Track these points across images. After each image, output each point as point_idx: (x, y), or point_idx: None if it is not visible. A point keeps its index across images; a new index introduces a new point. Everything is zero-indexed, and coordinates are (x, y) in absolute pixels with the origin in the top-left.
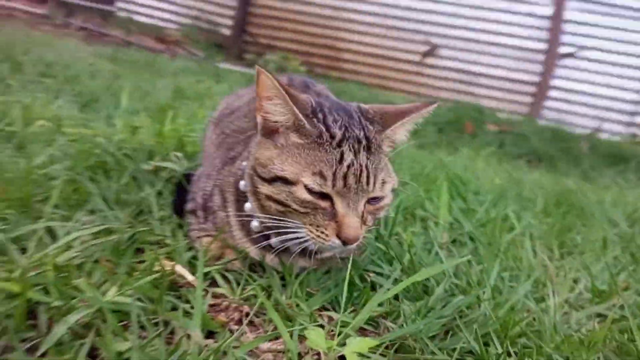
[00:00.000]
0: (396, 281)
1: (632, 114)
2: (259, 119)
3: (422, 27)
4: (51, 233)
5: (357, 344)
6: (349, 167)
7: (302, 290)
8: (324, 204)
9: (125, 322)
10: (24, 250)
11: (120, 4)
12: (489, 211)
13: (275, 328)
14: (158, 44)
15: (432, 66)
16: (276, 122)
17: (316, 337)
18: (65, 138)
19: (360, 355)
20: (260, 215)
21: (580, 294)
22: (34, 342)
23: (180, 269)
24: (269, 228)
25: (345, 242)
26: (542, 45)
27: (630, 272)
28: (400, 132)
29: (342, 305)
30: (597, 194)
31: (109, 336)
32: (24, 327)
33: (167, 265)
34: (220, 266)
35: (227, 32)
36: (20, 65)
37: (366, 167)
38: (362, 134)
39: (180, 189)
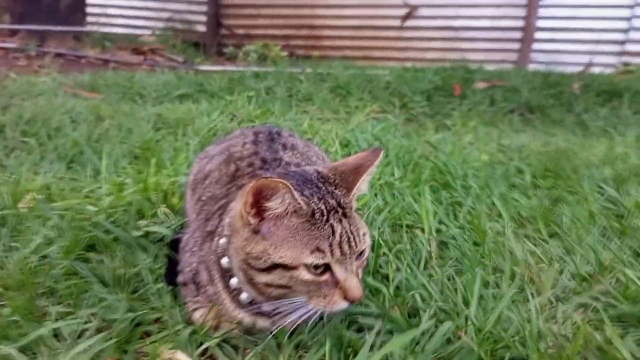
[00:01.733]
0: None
1: (623, 42)
2: (248, 219)
3: None
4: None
5: None
6: (341, 236)
7: (296, 352)
8: (325, 277)
9: None
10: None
11: (90, 19)
12: (475, 202)
13: None
14: (135, 55)
15: (413, 28)
16: (271, 214)
17: None
18: (57, 213)
19: None
20: (254, 294)
21: (565, 283)
22: None
23: (180, 356)
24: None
25: (354, 302)
26: None
27: (618, 245)
28: (362, 187)
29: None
30: (587, 149)
31: None
32: None
33: (168, 354)
34: (218, 339)
35: (202, 28)
36: (1, 127)
37: (351, 232)
38: (335, 202)
39: (170, 256)
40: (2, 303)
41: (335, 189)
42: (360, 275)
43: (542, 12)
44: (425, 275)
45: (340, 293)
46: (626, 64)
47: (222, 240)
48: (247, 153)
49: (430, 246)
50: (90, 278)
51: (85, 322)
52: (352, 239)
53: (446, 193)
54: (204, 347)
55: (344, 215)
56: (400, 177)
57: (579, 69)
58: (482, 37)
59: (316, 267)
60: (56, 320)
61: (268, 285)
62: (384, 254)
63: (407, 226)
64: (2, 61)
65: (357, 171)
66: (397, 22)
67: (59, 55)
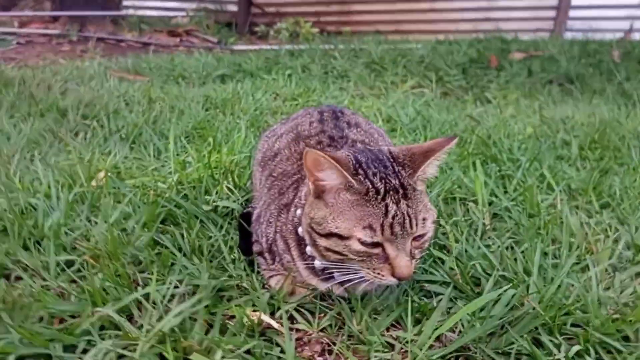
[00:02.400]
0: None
1: None
2: (311, 186)
3: None
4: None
5: None
6: (393, 217)
7: (369, 314)
8: (376, 250)
9: None
10: (130, 318)
11: (126, 2)
12: (525, 175)
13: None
14: (171, 38)
15: None
16: (326, 185)
17: None
18: (130, 192)
19: None
20: (318, 257)
21: (621, 252)
22: None
23: (265, 318)
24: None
25: (401, 280)
26: None
27: None
28: (429, 170)
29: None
30: (632, 120)
31: None
32: None
33: (254, 316)
34: (295, 303)
35: (234, 8)
36: (63, 112)
37: (407, 214)
38: (397, 182)
39: (243, 228)
40: (94, 272)
41: (403, 169)
42: (417, 257)
43: None
44: (483, 245)
45: (390, 269)
46: None
47: (299, 211)
48: (314, 131)
49: (484, 218)
50: (172, 248)
51: (175, 287)
52: (406, 221)
53: (495, 166)
54: (282, 311)
55: (405, 196)
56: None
57: (619, 35)
58: (517, 5)
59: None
60: (145, 286)
61: (327, 249)
62: (441, 226)
63: (460, 199)
64: (47, 47)
65: (427, 154)
66: None
67: (99, 39)
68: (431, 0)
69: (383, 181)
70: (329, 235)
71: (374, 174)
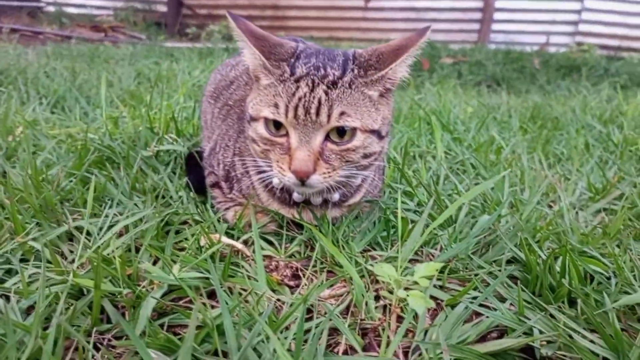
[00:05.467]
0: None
1: (576, 23)
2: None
3: None
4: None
5: (425, 269)
6: (300, 99)
7: (341, 237)
8: (281, 139)
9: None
10: (61, 254)
11: None
12: (475, 137)
13: (330, 277)
14: (95, 32)
15: (377, 9)
16: (250, 66)
17: (387, 270)
18: (52, 141)
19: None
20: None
21: (581, 194)
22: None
23: (226, 240)
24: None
25: (296, 175)
26: None
27: (619, 166)
28: (399, 70)
29: (386, 242)
30: (562, 104)
31: (197, 306)
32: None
33: (213, 238)
34: (258, 230)
35: (163, 8)
36: None
37: (319, 100)
38: (335, 73)
39: (191, 167)
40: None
41: (358, 67)
42: (333, 164)
43: None
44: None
45: (289, 162)
46: (579, 44)
47: None
48: None
49: (443, 168)
50: (108, 185)
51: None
52: (313, 106)
53: (447, 134)
54: (244, 237)
55: (330, 85)
56: (395, 121)
57: (536, 48)
58: (444, 17)
59: (275, 125)
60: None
61: (251, 140)
62: (400, 175)
63: (419, 155)
64: None
65: (397, 52)
66: (361, 3)
67: (14, 30)
68: (363, 10)
69: (310, 68)
70: (250, 120)
71: (306, 63)
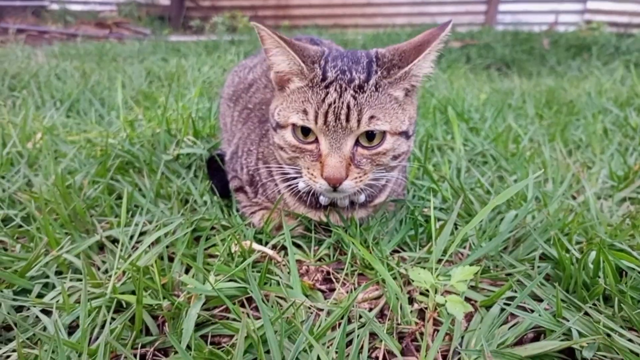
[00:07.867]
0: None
1: (584, 0)
2: (272, 75)
3: None
4: (114, 242)
5: (461, 273)
6: (330, 105)
7: (371, 240)
8: (310, 146)
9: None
10: (93, 264)
11: None
12: (492, 126)
13: (361, 280)
14: (100, 29)
15: None
16: (281, 71)
17: (424, 275)
18: (73, 148)
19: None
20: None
21: (603, 183)
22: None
23: (257, 246)
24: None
25: (329, 182)
26: None
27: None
28: (424, 66)
29: (414, 242)
30: (576, 87)
31: (244, 322)
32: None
33: (245, 245)
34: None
35: (166, 1)
36: None
37: (348, 105)
38: (361, 76)
39: (213, 170)
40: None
41: (381, 68)
42: (364, 168)
43: None
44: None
45: (320, 168)
46: (588, 22)
47: None
48: None
49: (464, 161)
50: (135, 194)
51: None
52: (343, 112)
53: (463, 124)
54: (273, 242)
55: (359, 89)
56: None
57: (544, 28)
58: (449, 0)
59: (303, 131)
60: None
61: (278, 147)
62: (420, 167)
63: (438, 148)
64: None
65: (419, 49)
66: None
67: (20, 30)
68: None
69: (338, 72)
70: (276, 127)
71: (334, 66)
